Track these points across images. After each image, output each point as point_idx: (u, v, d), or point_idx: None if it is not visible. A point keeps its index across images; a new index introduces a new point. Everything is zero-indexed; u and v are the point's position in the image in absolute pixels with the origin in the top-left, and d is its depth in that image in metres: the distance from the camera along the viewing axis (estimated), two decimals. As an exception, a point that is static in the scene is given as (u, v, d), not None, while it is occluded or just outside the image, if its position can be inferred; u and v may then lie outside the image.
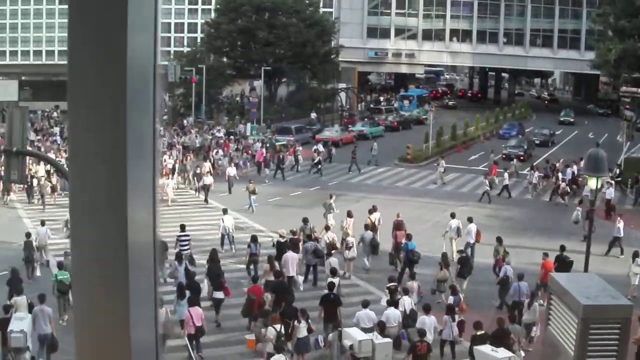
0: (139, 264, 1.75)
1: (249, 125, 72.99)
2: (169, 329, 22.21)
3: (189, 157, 56.24)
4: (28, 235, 31.77)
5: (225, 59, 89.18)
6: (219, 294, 26.53)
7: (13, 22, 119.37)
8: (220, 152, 59.04)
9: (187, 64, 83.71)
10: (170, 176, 50.22)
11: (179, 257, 29.38)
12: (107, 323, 1.74)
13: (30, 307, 23.03)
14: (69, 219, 1.75)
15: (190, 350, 23.24)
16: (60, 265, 27.05)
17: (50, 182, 45.68)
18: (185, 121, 78.47)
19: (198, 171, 50.78)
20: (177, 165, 53.96)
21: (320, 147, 59.25)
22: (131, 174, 1.70)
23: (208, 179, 48.40)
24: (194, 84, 78.80)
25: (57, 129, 74.18)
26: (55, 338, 22.34)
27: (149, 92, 1.75)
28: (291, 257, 29.48)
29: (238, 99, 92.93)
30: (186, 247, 31.74)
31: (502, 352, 19.98)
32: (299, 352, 22.49)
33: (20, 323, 20.48)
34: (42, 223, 33.75)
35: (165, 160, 54.37)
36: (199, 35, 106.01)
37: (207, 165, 51.29)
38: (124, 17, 1.63)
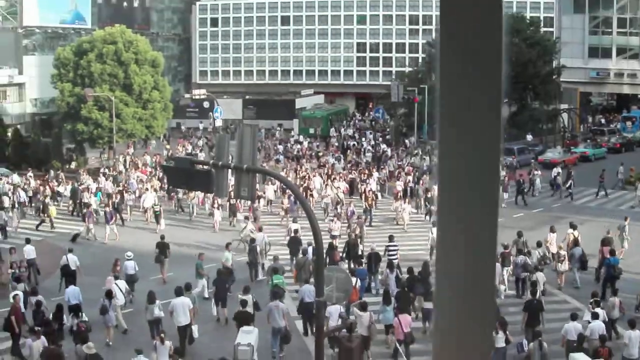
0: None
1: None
2: (372, 333, 24.54)
3: (422, 181, 53.19)
4: (252, 241, 35.90)
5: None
6: (428, 305, 27.10)
7: (236, 42, 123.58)
8: None
9: (409, 84, 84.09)
10: (404, 200, 47.29)
11: (390, 265, 31.42)
12: (468, 331, 1.81)
13: (256, 305, 26.58)
14: (436, 227, 1.79)
15: (398, 356, 24.98)
16: (275, 270, 30.17)
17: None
18: (407, 141, 78.80)
19: (429, 195, 48.14)
20: (407, 189, 52.44)
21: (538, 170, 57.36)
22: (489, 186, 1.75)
23: None
24: (416, 104, 79.02)
25: (281, 147, 76.31)
26: (289, 331, 25.96)
27: (500, 105, 1.76)
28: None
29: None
30: (394, 256, 33.94)
31: None
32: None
33: (247, 336, 21.16)
34: (260, 229, 38.38)
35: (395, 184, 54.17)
36: (420, 55, 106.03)
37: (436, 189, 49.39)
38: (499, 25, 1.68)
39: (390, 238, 35.93)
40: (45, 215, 47.05)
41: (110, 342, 27.61)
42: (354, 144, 78.43)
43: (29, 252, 34.82)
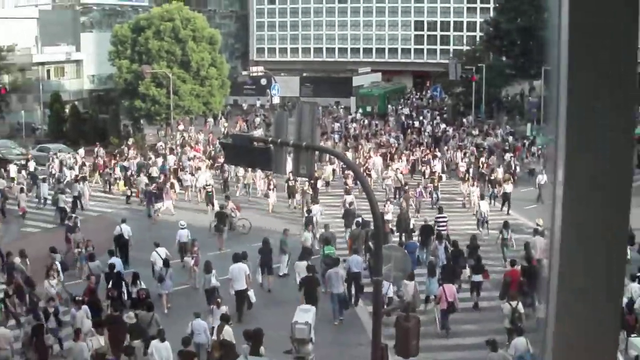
0: None
1: (529, 125, 71.56)
2: (416, 301, 25.97)
3: (485, 163, 51.17)
4: (309, 211, 38.12)
5: (504, 58, 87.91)
6: (477, 277, 28.70)
7: (294, 20, 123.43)
8: (509, 155, 54.28)
9: (467, 63, 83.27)
10: (472, 182, 45.22)
11: (439, 237, 32.84)
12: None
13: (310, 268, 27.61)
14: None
15: (438, 323, 25.99)
16: (327, 241, 31.74)
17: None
18: (465, 120, 78.04)
19: (493, 177, 46.73)
20: (471, 170, 50.41)
21: None
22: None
23: (508, 187, 43.65)
24: (473, 83, 78.21)
25: (336, 125, 75.92)
26: (351, 295, 28.09)
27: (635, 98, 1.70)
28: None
29: (518, 98, 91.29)
30: (443, 228, 35.41)
31: None
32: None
33: (304, 315, 21.01)
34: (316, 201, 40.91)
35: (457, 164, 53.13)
36: (478, 33, 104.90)
37: (500, 171, 47.56)
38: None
39: (440, 210, 37.66)
40: (129, 188, 48.22)
41: (167, 309, 28.31)
42: (413, 123, 77.63)
43: (126, 231, 35.18)
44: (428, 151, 57.01)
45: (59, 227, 39.67)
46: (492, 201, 44.48)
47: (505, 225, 35.11)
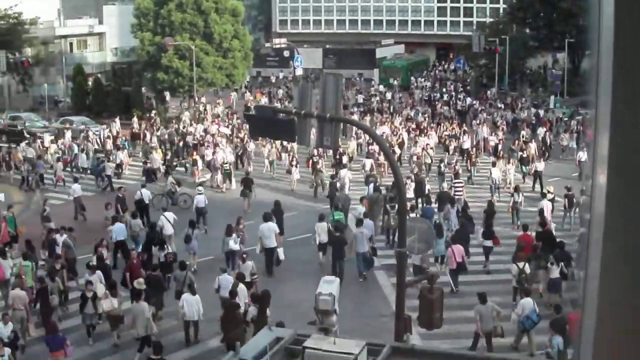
0: None
1: (552, 98, 71.19)
2: (426, 261, 27.47)
3: (519, 140, 49.19)
4: (333, 177, 40.11)
5: (527, 30, 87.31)
6: (488, 243, 29.93)
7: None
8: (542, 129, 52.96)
9: (490, 35, 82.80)
10: (506, 160, 43.72)
11: (452, 200, 34.48)
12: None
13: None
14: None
15: (451, 283, 27.18)
16: (337, 207, 33.48)
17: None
18: (488, 92, 77.70)
19: (525, 154, 45.28)
20: (500, 146, 48.42)
21: None
22: None
23: (540, 165, 42.60)
24: (497, 55, 77.77)
25: (359, 97, 75.77)
26: (371, 255, 29.51)
27: None
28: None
29: (541, 70, 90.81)
30: (460, 193, 37.20)
31: None
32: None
33: (329, 286, 20.97)
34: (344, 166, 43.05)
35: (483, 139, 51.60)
36: (501, 5, 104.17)
37: (533, 147, 46.19)
38: None
39: (456, 175, 39.44)
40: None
41: (194, 267, 29.33)
42: (441, 96, 76.87)
43: (146, 195, 37.00)
44: (455, 126, 56.13)
45: (100, 194, 41.97)
46: (524, 179, 43.41)
47: (517, 189, 36.06)
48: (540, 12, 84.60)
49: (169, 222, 31.26)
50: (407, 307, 18.48)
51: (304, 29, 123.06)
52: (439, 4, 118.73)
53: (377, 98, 76.09)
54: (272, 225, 29.62)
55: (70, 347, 21.64)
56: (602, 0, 1.64)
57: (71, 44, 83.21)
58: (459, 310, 24.86)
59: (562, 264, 25.74)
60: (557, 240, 28.40)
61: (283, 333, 14.34)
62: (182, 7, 67.55)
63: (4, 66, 64.88)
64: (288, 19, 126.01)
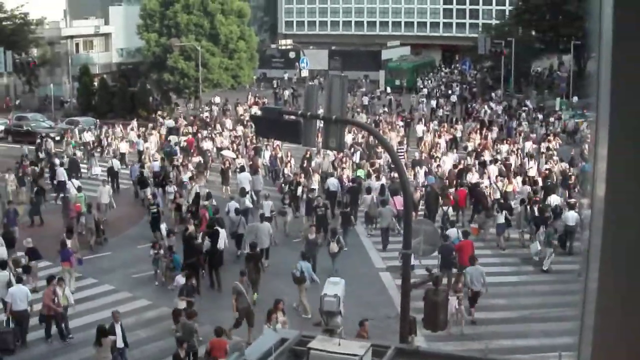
0: None
1: (557, 100, 71.08)
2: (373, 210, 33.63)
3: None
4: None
5: (533, 32, 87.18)
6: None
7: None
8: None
9: (496, 37, 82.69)
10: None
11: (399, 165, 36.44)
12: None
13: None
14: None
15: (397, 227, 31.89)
16: (359, 166, 40.52)
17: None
18: (493, 94, 77.56)
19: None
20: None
21: None
22: None
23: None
24: (503, 57, 77.66)
25: (366, 99, 75.54)
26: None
27: None
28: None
29: (547, 73, 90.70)
30: (402, 157, 40.67)
31: None
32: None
33: (334, 287, 20.98)
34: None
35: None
36: (507, 7, 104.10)
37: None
38: None
39: (400, 143, 47.17)
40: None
41: None
42: (473, 108, 71.39)
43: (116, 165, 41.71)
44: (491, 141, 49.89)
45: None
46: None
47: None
48: (546, 15, 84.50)
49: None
50: (412, 308, 18.47)
51: (310, 30, 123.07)
52: (445, 6, 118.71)
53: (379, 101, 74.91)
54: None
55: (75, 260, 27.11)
56: (603, 0, 1.65)
57: (77, 44, 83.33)
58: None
59: (506, 212, 32.45)
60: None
61: (288, 334, 14.34)
62: (188, 8, 67.66)
63: (11, 66, 64.84)
64: (294, 20, 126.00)
